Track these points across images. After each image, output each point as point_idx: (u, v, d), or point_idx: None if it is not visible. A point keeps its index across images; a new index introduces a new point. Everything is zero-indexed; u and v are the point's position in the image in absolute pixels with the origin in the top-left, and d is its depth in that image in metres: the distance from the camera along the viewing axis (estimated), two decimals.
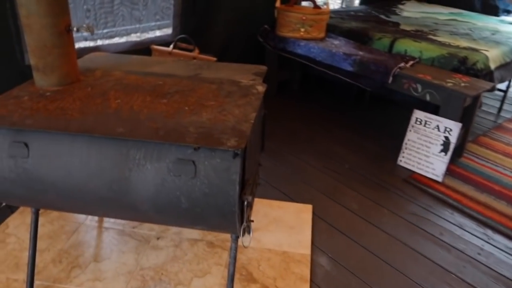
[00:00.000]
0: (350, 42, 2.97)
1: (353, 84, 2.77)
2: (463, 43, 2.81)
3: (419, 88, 2.35)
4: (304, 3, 3.34)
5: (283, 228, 1.91)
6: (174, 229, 1.87)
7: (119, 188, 1.15)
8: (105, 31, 2.49)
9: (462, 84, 2.28)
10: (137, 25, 2.66)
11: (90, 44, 2.55)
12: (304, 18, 2.95)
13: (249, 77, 1.55)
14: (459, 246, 1.88)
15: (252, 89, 1.41)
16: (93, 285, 1.58)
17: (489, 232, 1.98)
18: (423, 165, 2.36)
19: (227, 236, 1.79)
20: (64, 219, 1.91)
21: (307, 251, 1.78)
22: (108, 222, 1.90)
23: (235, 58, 3.29)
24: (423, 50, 2.67)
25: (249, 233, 1.22)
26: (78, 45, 2.54)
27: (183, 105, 1.25)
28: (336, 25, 3.21)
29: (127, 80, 1.44)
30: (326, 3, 3.80)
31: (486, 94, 2.74)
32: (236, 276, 1.62)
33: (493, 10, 4.19)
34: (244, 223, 1.17)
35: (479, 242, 1.91)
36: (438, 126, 2.28)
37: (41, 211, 1.55)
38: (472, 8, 4.13)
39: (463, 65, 2.52)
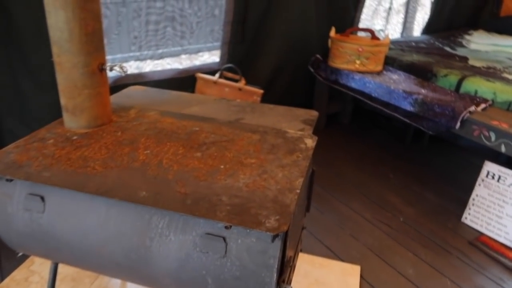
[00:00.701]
0: (411, 77, 2.70)
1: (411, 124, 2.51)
2: None
3: (493, 137, 2.04)
4: (361, 33, 3.12)
5: None
6: None
7: (138, 258, 0.99)
8: (150, 52, 2.41)
9: None
10: (184, 47, 2.57)
11: (137, 63, 2.48)
12: (360, 49, 2.73)
13: (297, 126, 1.36)
14: None
15: (300, 143, 1.22)
16: None
17: None
18: (494, 226, 2.04)
19: None
20: None
21: None
22: None
23: (283, 89, 3.14)
24: (497, 91, 2.35)
25: None
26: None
27: (218, 162, 1.08)
28: (396, 57, 2.95)
29: (161, 124, 1.30)
30: (386, 33, 3.56)
31: None
32: None
33: None
34: None
35: None
36: None
37: None
38: None
39: None
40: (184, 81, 2.67)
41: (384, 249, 1.95)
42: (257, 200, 0.93)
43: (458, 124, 2.14)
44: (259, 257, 0.89)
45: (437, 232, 2.08)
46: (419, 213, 2.23)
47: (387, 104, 2.54)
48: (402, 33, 3.87)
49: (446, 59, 2.96)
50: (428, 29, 3.93)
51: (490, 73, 2.65)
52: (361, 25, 3.45)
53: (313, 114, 1.49)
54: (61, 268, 1.68)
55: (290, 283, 1.04)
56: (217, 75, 2.59)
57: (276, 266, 0.88)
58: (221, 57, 2.80)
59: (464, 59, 3.01)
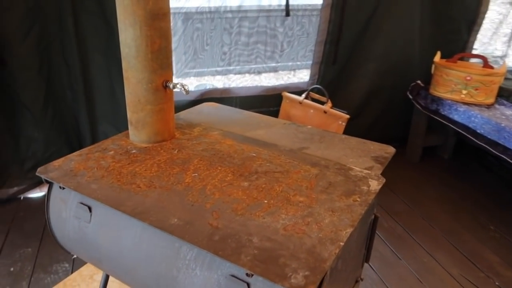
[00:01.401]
0: None
1: None
2: None
3: None
4: (472, 60, 2.76)
5: None
6: None
7: (166, 286, 0.94)
8: (238, 67, 2.43)
9: None
10: (272, 65, 2.54)
11: (224, 78, 2.53)
12: (468, 78, 2.41)
13: (366, 163, 1.20)
14: None
15: (362, 185, 1.07)
16: None
17: None
18: None
19: None
20: None
21: None
22: None
23: (375, 115, 2.91)
24: None
25: None
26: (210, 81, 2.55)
27: (263, 196, 0.99)
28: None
29: (220, 145, 1.26)
30: (504, 61, 3.11)
31: None
32: None
33: None
34: None
35: None
36: None
37: None
38: None
39: None
40: (270, 99, 2.64)
41: None
42: (291, 248, 0.81)
43: None
44: None
45: None
46: None
47: (495, 144, 2.18)
48: None
49: None
50: None
51: None
52: (477, 51, 3.06)
53: (389, 150, 1.31)
54: None
55: None
56: (304, 95, 2.50)
57: None
58: (310, 77, 2.71)
59: None
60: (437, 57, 2.58)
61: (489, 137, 2.20)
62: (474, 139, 2.30)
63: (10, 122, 2.22)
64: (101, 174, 1.08)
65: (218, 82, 2.53)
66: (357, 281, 1.19)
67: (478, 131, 2.27)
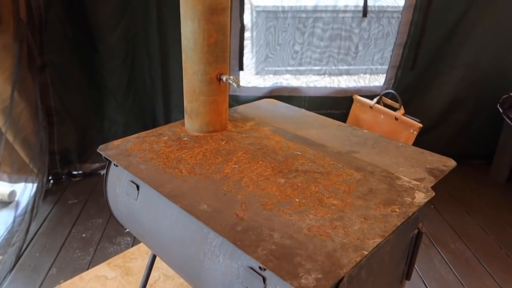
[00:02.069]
0: None
1: None
2: None
3: None
4: None
5: None
6: None
7: (193, 268, 0.98)
8: (308, 68, 2.41)
9: None
10: (345, 67, 2.48)
11: (294, 77, 2.52)
12: None
13: (418, 174, 1.13)
14: None
15: (406, 196, 1.00)
16: None
17: None
18: None
19: None
20: None
21: None
22: None
23: (456, 128, 2.68)
24: None
25: None
26: (279, 79, 2.55)
27: (296, 194, 0.98)
28: None
29: (267, 141, 1.27)
30: None
31: None
32: None
33: None
34: None
35: None
36: None
37: None
38: None
39: None
40: (339, 101, 2.57)
41: None
42: (310, 248, 0.80)
43: None
44: None
45: None
46: None
47: None
48: None
49: None
50: None
51: None
52: None
53: (449, 164, 1.21)
54: None
55: None
56: (375, 99, 2.40)
57: None
58: (385, 81, 2.59)
59: None
60: None
61: None
62: None
63: (97, 105, 2.47)
64: (151, 156, 1.16)
65: (287, 81, 2.53)
66: None
67: None
